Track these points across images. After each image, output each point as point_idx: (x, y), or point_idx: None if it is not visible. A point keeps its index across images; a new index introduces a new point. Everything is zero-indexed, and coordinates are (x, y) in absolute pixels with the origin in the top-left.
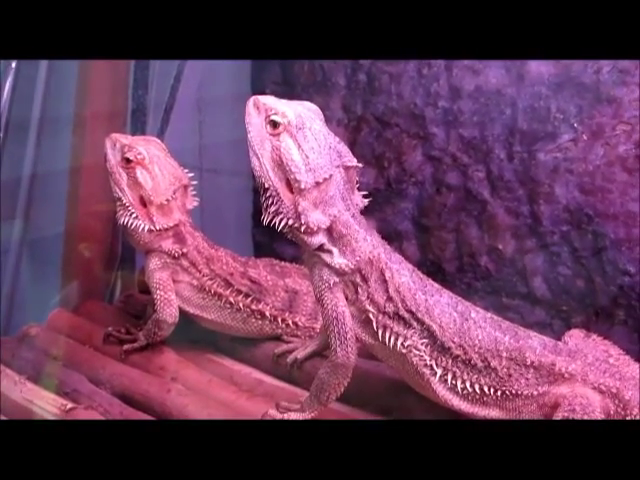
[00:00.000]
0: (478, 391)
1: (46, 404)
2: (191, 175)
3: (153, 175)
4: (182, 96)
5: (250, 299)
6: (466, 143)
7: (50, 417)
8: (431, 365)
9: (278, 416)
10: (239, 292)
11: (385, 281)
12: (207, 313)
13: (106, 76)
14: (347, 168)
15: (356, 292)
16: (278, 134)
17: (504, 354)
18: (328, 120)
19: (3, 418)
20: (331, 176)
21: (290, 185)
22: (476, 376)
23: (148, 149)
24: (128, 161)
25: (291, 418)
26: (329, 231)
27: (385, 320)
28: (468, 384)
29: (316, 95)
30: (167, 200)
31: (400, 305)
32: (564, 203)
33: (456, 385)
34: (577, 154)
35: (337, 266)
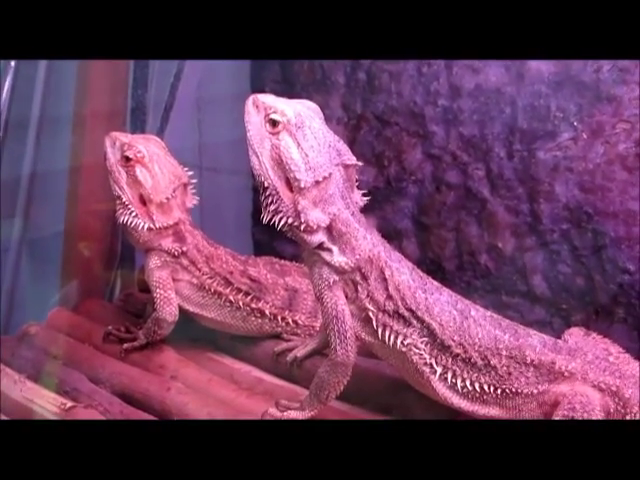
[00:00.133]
0: (478, 389)
1: (46, 403)
2: (191, 173)
3: (153, 173)
4: (182, 95)
5: (250, 297)
6: (466, 141)
7: (50, 416)
8: (431, 363)
9: (278, 414)
10: (239, 290)
11: (385, 279)
12: (207, 311)
13: (106, 75)
14: (346, 166)
15: (356, 290)
16: (277, 133)
17: (504, 352)
18: (327, 119)
19: (3, 417)
20: (330, 175)
21: (290, 184)
22: (476, 374)
23: (148, 147)
24: (128, 159)
25: (291, 416)
26: (329, 229)
27: (385, 318)
28: (468, 382)
29: (315, 94)
30: (167, 198)
31: (400, 303)
32: (564, 201)
33: (456, 383)
34: (577, 152)
35: (337, 264)
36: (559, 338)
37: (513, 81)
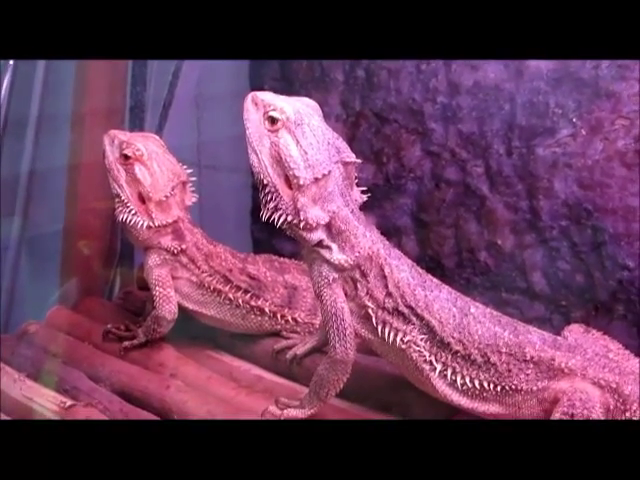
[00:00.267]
0: (478, 386)
1: (46, 401)
2: (190, 171)
3: (152, 171)
4: (180, 93)
5: (249, 295)
6: (465, 138)
7: (50, 414)
8: (431, 361)
9: (278, 412)
10: (238, 288)
11: (384, 277)
12: (206, 309)
13: (104, 73)
14: (346, 164)
15: (355, 288)
16: (276, 130)
17: (504, 349)
18: (326, 116)
19: (3, 416)
20: (330, 172)
21: (289, 181)
22: (476, 371)
23: (147, 145)
24: (126, 157)
25: (291, 414)
26: (328, 227)
27: (384, 316)
28: (468, 379)
29: (314, 91)
30: (166, 196)
31: (399, 301)
32: (563, 198)
33: (456, 380)
34: (576, 149)
35: (336, 262)
36: (559, 335)
37: (512, 78)
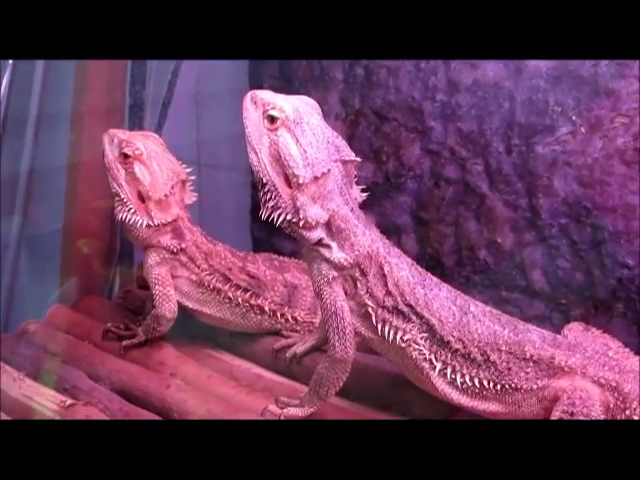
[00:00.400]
0: (477, 385)
1: (45, 400)
2: (189, 170)
3: (151, 170)
4: (180, 91)
5: (249, 294)
6: (464, 137)
7: (49, 413)
8: (430, 359)
9: (278, 411)
10: (238, 287)
11: (384, 275)
12: (206, 308)
13: (104, 72)
14: (345, 162)
15: (355, 286)
16: (276, 129)
17: (503, 348)
18: (326, 114)
19: (3, 415)
20: (329, 170)
21: (288, 180)
22: (475, 370)
23: (146, 144)
24: (126, 156)
25: (291, 413)
26: (328, 226)
27: (384, 314)
28: (467, 378)
29: (314, 90)
30: (165, 195)
31: (399, 299)
32: (562, 196)
33: (455, 379)
34: (575, 147)
35: (336, 260)
36: (558, 333)
37: (511, 76)
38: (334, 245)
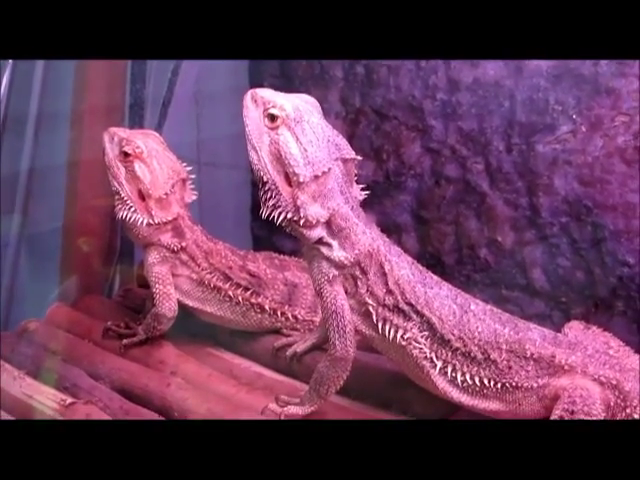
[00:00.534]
0: (478, 383)
1: (45, 399)
2: (189, 169)
3: (151, 169)
4: (180, 90)
5: (249, 292)
6: (465, 135)
7: (50, 412)
8: (431, 358)
9: (278, 410)
10: (238, 286)
11: (384, 274)
12: (206, 306)
13: (104, 70)
14: (345, 161)
15: (355, 285)
16: (276, 127)
17: (504, 346)
18: (326, 113)
19: (3, 414)
20: (330, 169)
21: (288, 178)
22: (476, 368)
23: (146, 143)
24: (126, 155)
25: (291, 412)
26: (328, 224)
27: (385, 313)
28: (468, 376)
29: (314, 88)
30: (165, 194)
31: (400, 298)
32: (563, 195)
33: (456, 377)
34: (576, 146)
35: (336, 259)
36: (559, 332)
37: (512, 75)
38: (334, 244)
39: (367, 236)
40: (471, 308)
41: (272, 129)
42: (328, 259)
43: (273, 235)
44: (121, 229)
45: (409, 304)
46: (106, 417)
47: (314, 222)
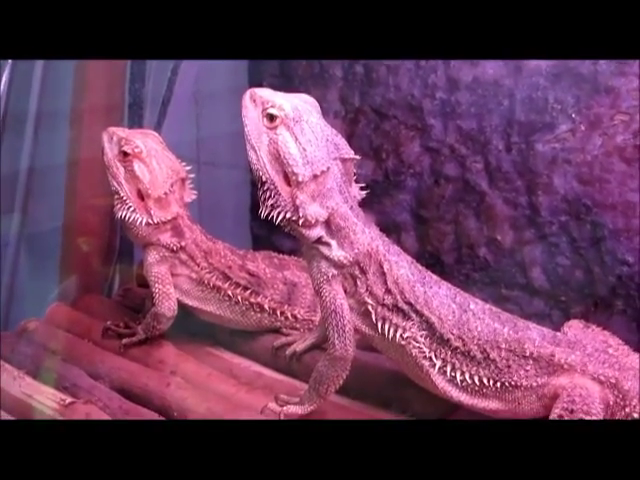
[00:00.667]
0: (477, 383)
1: (45, 399)
2: (189, 168)
3: (151, 168)
4: (179, 89)
5: (249, 292)
6: (464, 134)
7: (49, 412)
8: (430, 357)
9: (278, 409)
10: (237, 285)
11: (384, 273)
12: (206, 306)
13: (103, 70)
14: (344, 160)
15: (355, 284)
16: (275, 127)
17: (503, 345)
18: (325, 112)
19: (2, 413)
20: (328, 169)
21: (287, 178)
22: (475, 367)
23: (145, 142)
24: (125, 154)
25: (290, 411)
26: (327, 224)
27: (384, 312)
28: (467, 376)
29: (313, 87)
30: (165, 193)
31: (399, 297)
32: (562, 193)
33: (455, 377)
34: (575, 144)
35: (335, 259)
36: (558, 331)
37: (511, 73)
38: (334, 243)
39: (366, 235)
40: (470, 307)
41: (271, 129)
42: (327, 258)
43: (272, 234)
44: (120, 229)
45: (408, 303)
46: (106, 417)
47: (313, 221)
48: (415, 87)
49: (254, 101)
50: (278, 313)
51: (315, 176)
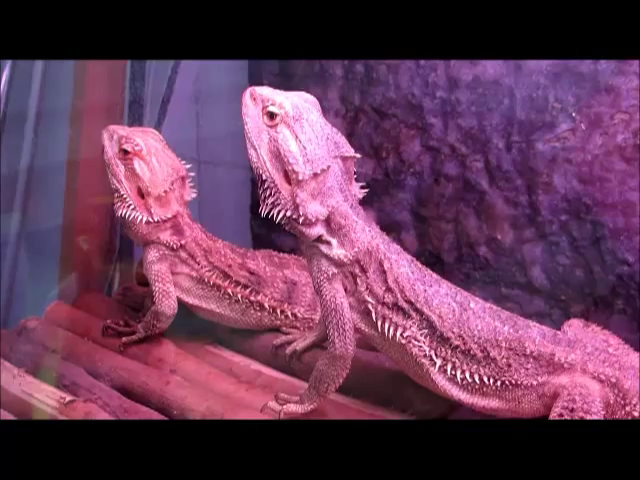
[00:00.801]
0: (478, 381)
1: (45, 397)
2: (189, 167)
3: (151, 166)
4: (179, 88)
5: (249, 290)
6: (464, 133)
7: (49, 410)
8: (430, 356)
9: (277, 408)
10: (237, 283)
11: (384, 272)
12: (206, 304)
13: (103, 68)
14: (345, 159)
15: (355, 283)
16: (275, 125)
17: (503, 344)
18: (326, 111)
19: (2, 412)
20: (329, 167)
21: (288, 176)
22: (475, 366)
23: (146, 140)
24: (126, 152)
25: (290, 410)
26: (327, 222)
27: (384, 311)
28: (467, 374)
29: (313, 86)
30: (165, 192)
31: (399, 296)
32: (562, 193)
33: (455, 375)
34: (575, 144)
35: (336, 257)
36: (558, 329)
37: (511, 72)
38: (334, 242)
39: (366, 234)
40: (470, 306)
41: (271, 127)
42: (327, 257)
43: (272, 233)
44: (120, 227)
45: (408, 302)
46: (105, 415)
47: (313, 220)
48: (415, 86)
49: (254, 99)
50: (278, 312)
51: (315, 174)
